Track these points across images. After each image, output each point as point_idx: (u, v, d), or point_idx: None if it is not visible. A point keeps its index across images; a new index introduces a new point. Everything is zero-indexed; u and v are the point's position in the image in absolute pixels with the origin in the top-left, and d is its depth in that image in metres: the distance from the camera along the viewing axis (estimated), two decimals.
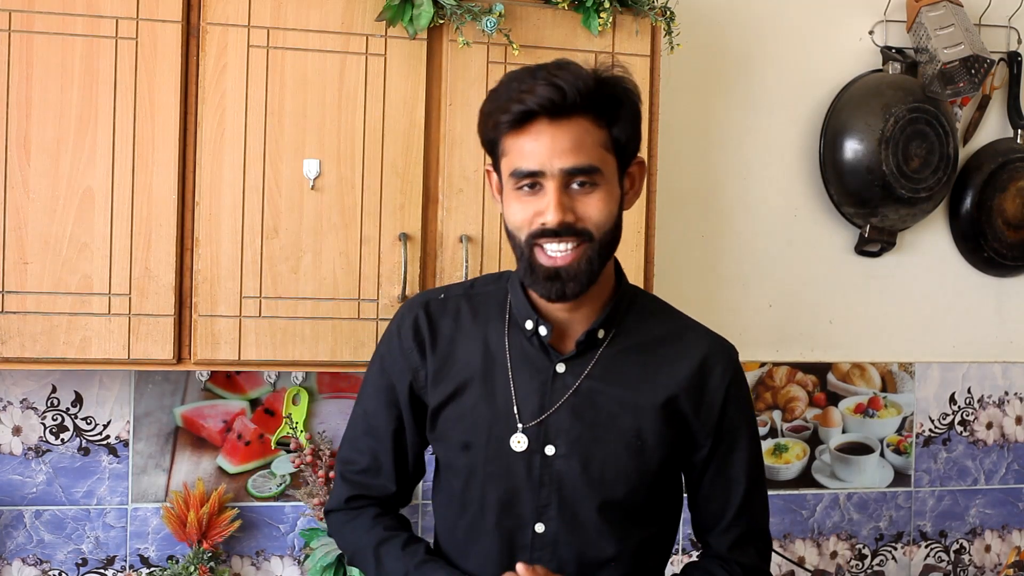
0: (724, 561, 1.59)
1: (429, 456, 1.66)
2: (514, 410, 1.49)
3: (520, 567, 1.40)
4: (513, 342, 1.52)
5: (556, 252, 1.40)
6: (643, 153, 2.05)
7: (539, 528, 1.49)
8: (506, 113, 1.38)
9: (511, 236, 1.45)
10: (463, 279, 1.93)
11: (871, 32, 2.58)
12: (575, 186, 1.40)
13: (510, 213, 1.43)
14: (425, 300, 1.59)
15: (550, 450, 1.49)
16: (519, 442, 1.49)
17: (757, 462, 1.60)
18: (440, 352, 1.54)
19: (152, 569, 2.21)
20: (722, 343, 1.59)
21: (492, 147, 1.46)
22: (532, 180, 1.40)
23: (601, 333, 1.51)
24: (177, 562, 2.20)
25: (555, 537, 1.49)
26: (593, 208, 1.40)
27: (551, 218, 1.38)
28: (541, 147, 1.38)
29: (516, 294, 1.52)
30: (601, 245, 1.42)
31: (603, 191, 1.41)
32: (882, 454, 2.64)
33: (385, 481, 1.61)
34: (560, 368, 1.50)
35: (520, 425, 1.50)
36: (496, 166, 1.47)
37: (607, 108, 1.41)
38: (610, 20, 2.00)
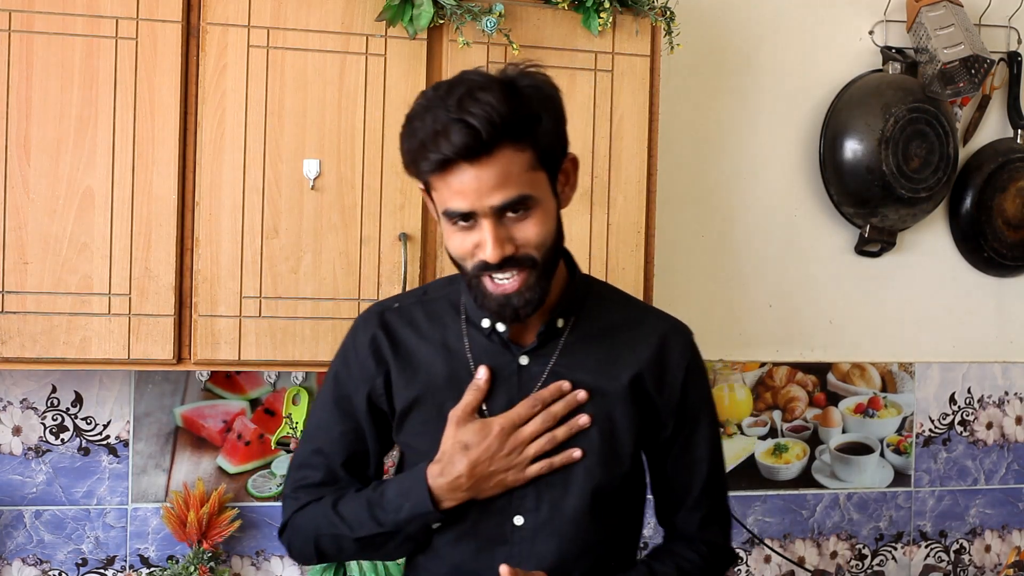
0: (691, 541, 1.60)
1: None
2: (483, 407, 1.49)
3: (504, 569, 1.40)
4: (473, 340, 1.51)
5: (503, 280, 1.40)
6: (643, 153, 2.07)
7: (518, 521, 1.49)
8: (425, 160, 1.36)
9: (455, 263, 1.45)
10: None
11: (871, 32, 2.58)
12: (510, 214, 1.38)
13: (450, 244, 1.42)
14: (379, 310, 1.58)
15: None
16: None
17: (717, 440, 1.62)
18: (401, 358, 1.53)
19: (152, 569, 2.21)
20: (678, 324, 1.60)
21: (420, 180, 1.44)
22: (465, 218, 1.39)
23: (560, 322, 1.51)
24: (177, 562, 2.21)
25: (534, 529, 1.49)
26: (531, 232, 1.39)
27: (490, 255, 1.37)
28: (467, 188, 1.35)
29: (470, 296, 1.50)
30: (544, 263, 1.42)
31: (538, 213, 1.40)
32: (882, 454, 2.64)
33: (345, 487, 1.57)
34: (524, 360, 1.50)
35: None
36: (427, 191, 1.45)
37: (526, 129, 1.37)
38: (610, 20, 2.00)
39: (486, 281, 1.41)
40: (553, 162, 1.43)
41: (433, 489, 1.45)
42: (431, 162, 1.35)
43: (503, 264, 1.38)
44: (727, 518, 1.64)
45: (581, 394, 1.48)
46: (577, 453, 1.47)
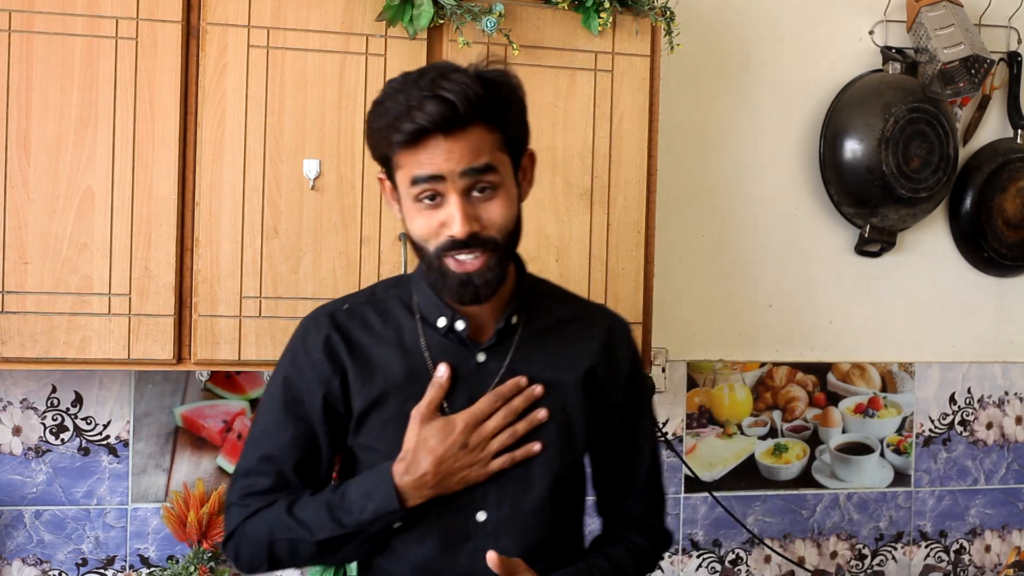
0: (636, 526, 1.64)
1: None
2: (443, 405, 1.49)
3: (491, 556, 1.41)
4: (429, 340, 1.52)
5: (466, 259, 1.41)
6: (643, 153, 2.07)
7: (480, 517, 1.50)
8: (398, 132, 1.37)
9: (416, 246, 1.45)
10: None
11: (871, 32, 2.58)
12: (476, 192, 1.40)
13: (414, 225, 1.43)
14: (329, 312, 1.56)
15: None
16: None
17: (655, 426, 1.69)
18: (357, 360, 1.51)
19: (152, 569, 2.21)
20: (618, 318, 1.66)
21: (385, 161, 1.44)
22: (432, 190, 1.39)
23: (515, 319, 1.53)
24: (177, 562, 2.21)
25: (497, 524, 1.50)
26: (496, 212, 1.41)
27: (458, 229, 1.38)
28: (438, 160, 1.37)
29: (424, 293, 1.51)
30: (505, 248, 1.44)
31: (503, 193, 1.42)
32: (882, 454, 2.64)
33: (296, 492, 1.54)
34: (481, 357, 1.51)
35: None
36: (390, 175, 1.46)
37: (497, 111, 1.40)
38: (610, 20, 2.00)
39: (449, 261, 1.41)
40: (518, 151, 1.46)
41: (399, 487, 1.45)
42: (404, 133, 1.36)
43: (468, 243, 1.39)
44: (664, 502, 1.69)
45: (538, 389, 1.51)
46: (537, 447, 1.50)
